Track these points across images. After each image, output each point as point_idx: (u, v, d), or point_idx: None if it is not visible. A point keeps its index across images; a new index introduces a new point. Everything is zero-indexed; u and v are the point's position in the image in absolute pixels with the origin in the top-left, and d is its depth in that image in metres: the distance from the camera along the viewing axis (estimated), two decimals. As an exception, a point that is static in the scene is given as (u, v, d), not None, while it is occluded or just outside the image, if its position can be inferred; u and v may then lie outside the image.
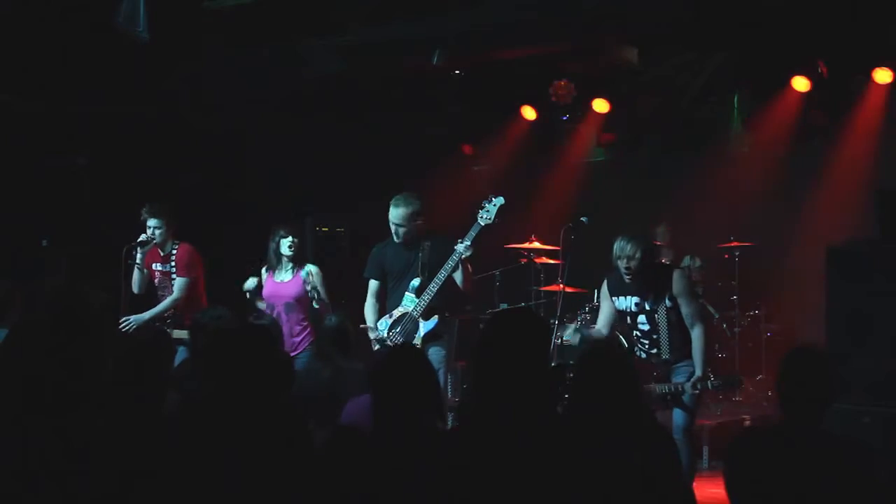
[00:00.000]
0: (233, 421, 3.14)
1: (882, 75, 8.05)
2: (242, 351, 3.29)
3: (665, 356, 5.66)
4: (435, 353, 6.20)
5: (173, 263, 7.12)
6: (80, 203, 8.34)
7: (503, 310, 7.52)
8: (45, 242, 8.11)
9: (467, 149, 10.31)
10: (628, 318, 5.84)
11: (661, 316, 5.65)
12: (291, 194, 9.23)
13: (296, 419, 3.33)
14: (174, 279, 7.11)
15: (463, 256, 6.10)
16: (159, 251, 7.19)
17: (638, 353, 5.85)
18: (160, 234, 7.10)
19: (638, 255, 5.63)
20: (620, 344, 6.35)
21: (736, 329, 8.62)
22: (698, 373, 5.54)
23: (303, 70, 8.30)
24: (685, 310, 5.63)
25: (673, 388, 5.52)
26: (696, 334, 5.61)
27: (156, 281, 7.23)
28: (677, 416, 5.60)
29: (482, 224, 6.14)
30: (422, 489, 3.01)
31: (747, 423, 7.68)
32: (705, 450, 6.94)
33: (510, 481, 2.92)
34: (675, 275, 5.71)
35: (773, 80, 8.41)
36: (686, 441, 5.56)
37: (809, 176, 8.81)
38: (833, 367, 3.29)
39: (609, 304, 5.95)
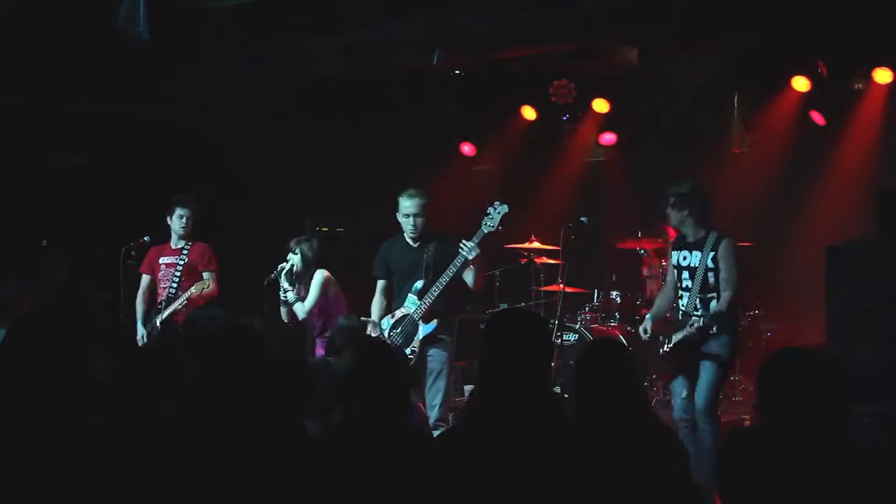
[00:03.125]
0: (224, 420, 3.15)
1: (882, 75, 8.06)
2: (228, 351, 3.30)
3: (690, 310, 5.97)
4: (436, 355, 6.21)
5: (184, 258, 7.15)
6: (80, 203, 8.34)
7: (502, 310, 7.51)
8: (45, 242, 8.11)
9: (467, 149, 10.31)
10: (676, 271, 6.15)
11: (698, 274, 5.95)
12: (291, 194, 9.23)
13: (291, 418, 3.34)
14: (178, 272, 7.13)
15: (471, 257, 6.10)
16: (171, 245, 7.25)
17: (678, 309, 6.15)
18: (190, 224, 7.19)
19: (669, 208, 6.02)
20: (621, 343, 6.39)
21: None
22: (706, 318, 5.81)
23: (303, 70, 8.31)
24: (723, 274, 5.90)
25: (683, 335, 5.86)
26: (724, 296, 5.90)
27: (159, 274, 7.26)
28: (697, 396, 5.83)
29: (485, 231, 6.15)
30: (417, 490, 3.01)
31: (747, 423, 7.68)
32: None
33: (512, 481, 2.92)
34: (724, 241, 5.94)
35: (773, 80, 8.42)
36: (710, 422, 5.83)
37: (809, 176, 8.81)
38: (824, 369, 3.28)
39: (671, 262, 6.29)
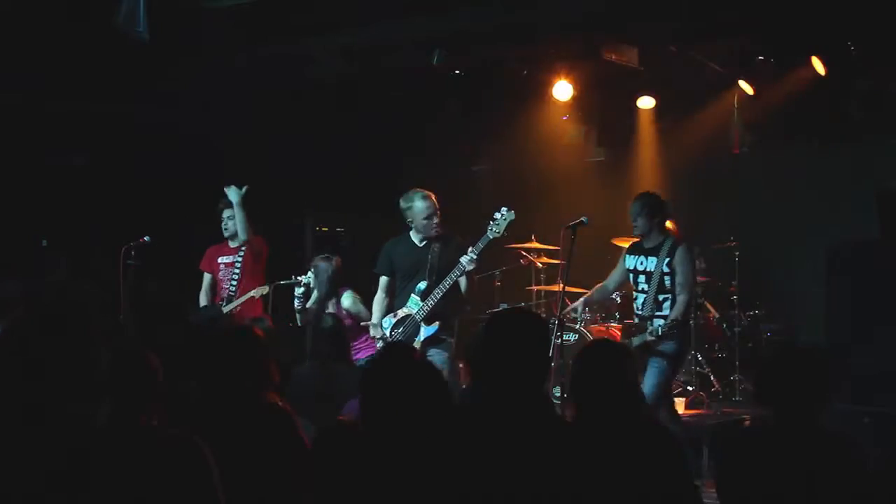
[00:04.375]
0: (219, 419, 3.15)
1: (881, 75, 8.06)
2: (226, 352, 3.31)
3: (643, 312, 6.27)
4: (437, 356, 6.21)
5: (241, 256, 7.18)
6: (80, 203, 8.33)
7: (502, 310, 7.51)
8: (45, 242, 8.11)
9: (467, 149, 10.31)
10: (631, 275, 6.42)
11: (654, 278, 6.21)
12: (291, 194, 9.22)
13: (286, 419, 3.34)
14: (237, 271, 7.16)
15: (467, 269, 6.13)
16: (229, 243, 7.31)
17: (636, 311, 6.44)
18: (233, 224, 7.22)
19: (639, 217, 6.29)
20: (623, 344, 6.44)
21: (736, 329, 8.61)
22: (663, 326, 6.06)
23: (303, 70, 8.31)
24: (678, 278, 6.18)
25: (642, 340, 6.13)
26: (680, 300, 6.16)
27: (219, 274, 7.32)
28: (645, 385, 6.01)
29: (490, 237, 6.17)
30: (417, 488, 3.01)
31: (747, 422, 7.68)
32: (705, 450, 6.93)
33: (511, 481, 2.92)
34: (680, 248, 6.23)
35: (773, 80, 8.41)
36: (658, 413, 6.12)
37: (809, 176, 8.80)
38: (825, 367, 3.29)
39: (622, 264, 6.55)
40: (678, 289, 6.19)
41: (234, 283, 7.19)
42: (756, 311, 8.84)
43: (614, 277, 6.66)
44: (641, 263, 6.35)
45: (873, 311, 5.95)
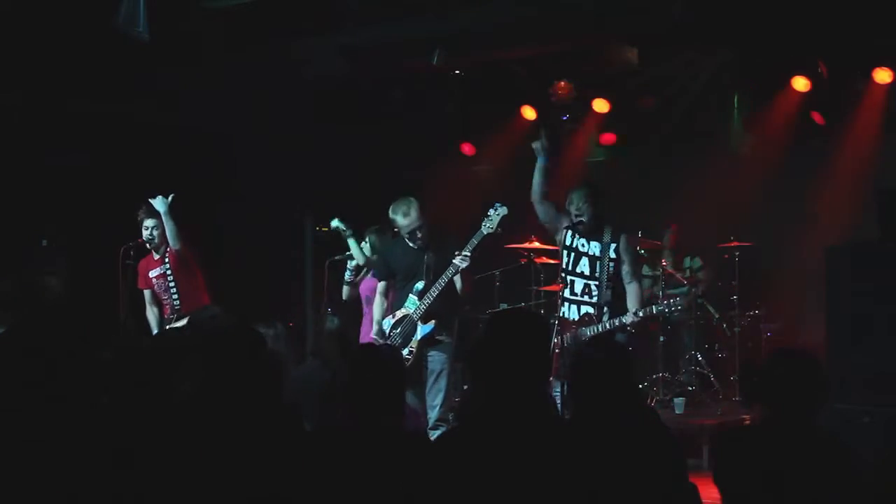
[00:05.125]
0: (220, 418, 3.16)
1: (882, 75, 8.06)
2: (229, 352, 3.32)
3: (598, 300, 6.15)
4: (436, 356, 6.22)
5: (167, 265, 7.10)
6: (80, 203, 8.33)
7: (502, 310, 7.52)
8: (44, 242, 8.11)
9: (467, 149, 10.31)
10: (573, 254, 6.25)
11: (602, 265, 6.15)
12: (291, 194, 9.23)
13: (290, 418, 3.35)
14: (172, 281, 7.08)
15: (461, 267, 6.13)
16: (153, 256, 7.18)
17: (565, 311, 6.26)
18: (157, 234, 7.09)
19: (583, 207, 6.19)
20: (622, 346, 6.43)
21: (736, 329, 8.61)
22: (635, 311, 6.02)
23: (303, 70, 8.31)
24: (626, 267, 6.15)
25: (607, 327, 6.04)
26: (632, 288, 6.13)
27: (155, 288, 7.21)
28: None
29: (484, 233, 6.17)
30: (418, 489, 3.01)
31: (747, 422, 7.68)
32: (705, 450, 6.93)
33: (511, 481, 2.92)
34: (625, 234, 6.21)
35: (773, 80, 8.42)
36: None
37: (809, 176, 8.80)
38: (821, 367, 3.30)
39: (562, 230, 6.34)
40: (627, 277, 6.14)
41: (175, 294, 7.08)
42: (756, 311, 8.84)
43: (551, 213, 6.42)
44: (584, 246, 6.26)
45: (873, 311, 5.95)
